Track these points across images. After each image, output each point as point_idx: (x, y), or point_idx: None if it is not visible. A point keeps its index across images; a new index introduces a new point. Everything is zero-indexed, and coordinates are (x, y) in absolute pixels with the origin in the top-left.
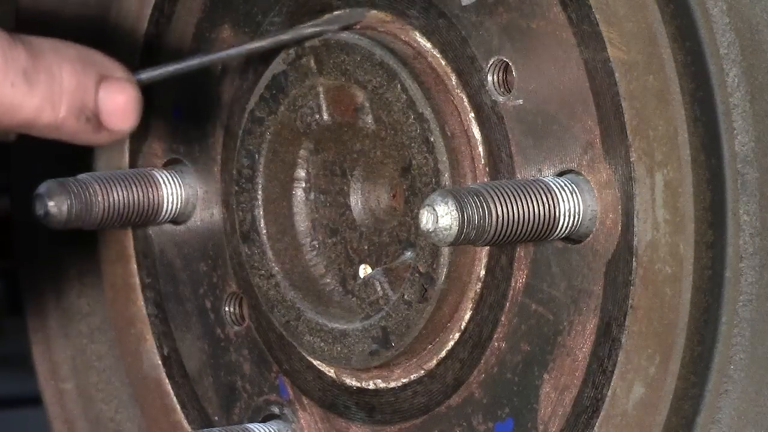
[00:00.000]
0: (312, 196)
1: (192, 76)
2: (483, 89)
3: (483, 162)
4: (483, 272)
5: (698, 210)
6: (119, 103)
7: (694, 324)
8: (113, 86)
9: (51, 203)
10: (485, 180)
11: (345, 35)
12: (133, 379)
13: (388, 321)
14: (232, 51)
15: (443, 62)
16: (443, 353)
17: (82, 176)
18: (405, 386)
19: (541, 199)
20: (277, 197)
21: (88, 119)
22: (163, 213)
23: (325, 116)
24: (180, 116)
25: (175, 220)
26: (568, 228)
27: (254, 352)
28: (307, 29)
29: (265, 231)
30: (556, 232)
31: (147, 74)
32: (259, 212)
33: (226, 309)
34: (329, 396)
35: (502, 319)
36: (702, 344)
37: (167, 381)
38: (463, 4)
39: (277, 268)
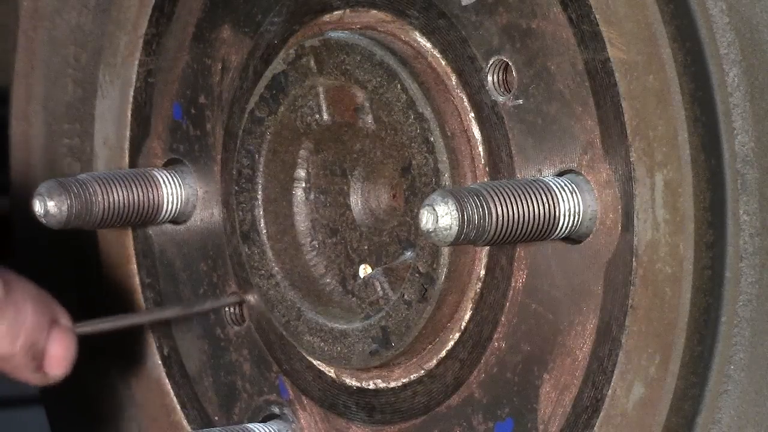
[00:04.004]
0: (312, 196)
1: (193, 74)
2: (483, 89)
3: (483, 162)
4: (483, 272)
5: (698, 210)
6: (62, 351)
7: (694, 324)
8: (60, 333)
9: (51, 203)
10: (485, 180)
11: (345, 35)
12: (133, 379)
13: (388, 321)
14: (163, 313)
15: (443, 62)
16: (443, 353)
17: (82, 176)
18: (405, 386)
19: (541, 199)
20: (277, 197)
21: (34, 357)
22: (163, 213)
23: (325, 116)
24: (180, 116)
25: (175, 220)
26: (568, 228)
27: (254, 352)
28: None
29: (265, 231)
30: (556, 232)
31: (83, 328)
32: (259, 212)
33: (226, 309)
34: (329, 396)
35: (502, 319)
36: (702, 344)
37: (167, 381)
38: (463, 4)
39: (277, 268)
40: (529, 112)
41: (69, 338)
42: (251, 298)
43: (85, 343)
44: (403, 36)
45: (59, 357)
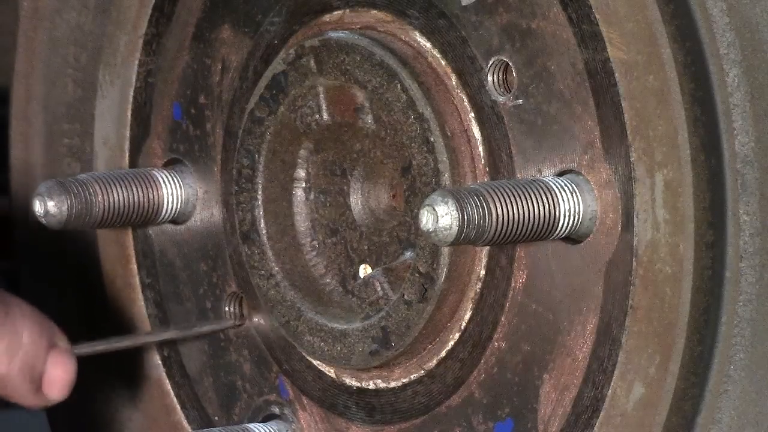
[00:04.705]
0: (312, 196)
1: (193, 74)
2: (483, 89)
3: (483, 162)
4: (483, 272)
5: (698, 210)
6: (62, 375)
7: (694, 324)
8: (60, 356)
9: (51, 203)
10: (485, 180)
11: (345, 35)
12: (133, 379)
13: (388, 321)
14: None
15: (443, 62)
16: (443, 353)
17: (82, 176)
18: (405, 386)
19: (541, 199)
20: (277, 197)
21: (32, 380)
22: (163, 213)
23: (325, 116)
24: (180, 116)
25: (175, 220)
26: (568, 228)
27: (254, 352)
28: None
29: (265, 231)
30: (556, 232)
31: (81, 349)
32: (259, 212)
33: (226, 309)
34: (329, 396)
35: (502, 319)
36: (702, 344)
37: (167, 381)
38: (463, 4)
39: (277, 268)
40: (529, 112)
41: (68, 361)
42: (251, 321)
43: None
44: (403, 36)
45: (58, 380)
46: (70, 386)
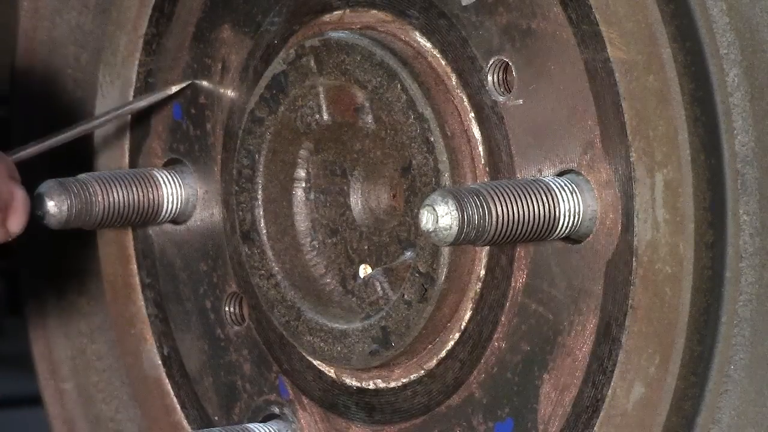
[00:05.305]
0: (312, 196)
1: (193, 74)
2: (483, 89)
3: (483, 162)
4: (483, 272)
5: (698, 210)
6: (22, 204)
7: (694, 324)
8: (17, 186)
9: (51, 203)
10: (485, 180)
11: (345, 35)
12: (133, 379)
13: (388, 321)
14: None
15: (443, 62)
16: (443, 353)
17: (82, 176)
18: (405, 386)
19: (541, 199)
20: (277, 197)
21: (2, 209)
22: (163, 213)
23: (325, 116)
24: (180, 116)
25: (175, 220)
26: (568, 228)
27: (254, 352)
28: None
29: (265, 231)
30: (556, 232)
31: (17, 155)
32: (259, 212)
33: (226, 309)
34: (329, 396)
35: (502, 319)
36: (702, 344)
37: (167, 381)
38: (463, 4)
39: (277, 268)
40: (529, 112)
41: (24, 190)
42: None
43: (85, 348)
44: (403, 36)
45: (19, 209)
46: (27, 217)
